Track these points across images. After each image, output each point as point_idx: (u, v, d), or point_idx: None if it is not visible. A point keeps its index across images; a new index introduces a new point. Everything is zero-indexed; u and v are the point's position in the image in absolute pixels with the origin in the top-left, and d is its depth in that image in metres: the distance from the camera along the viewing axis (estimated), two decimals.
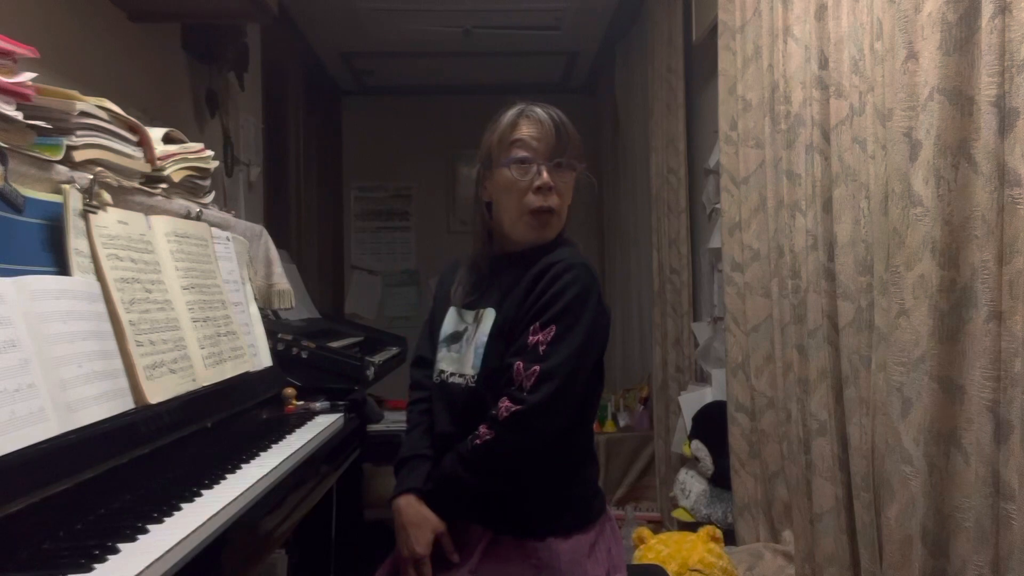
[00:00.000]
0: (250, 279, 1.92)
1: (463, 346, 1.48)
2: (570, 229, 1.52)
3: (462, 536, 1.43)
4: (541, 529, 1.40)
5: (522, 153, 1.43)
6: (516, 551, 1.39)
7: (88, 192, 1.27)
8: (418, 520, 1.41)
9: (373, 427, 2.54)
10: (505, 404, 1.35)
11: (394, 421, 2.75)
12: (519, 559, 1.38)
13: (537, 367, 1.35)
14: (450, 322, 1.53)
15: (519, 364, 1.36)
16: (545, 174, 1.42)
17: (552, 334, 1.36)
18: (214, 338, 1.54)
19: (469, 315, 1.50)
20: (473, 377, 1.44)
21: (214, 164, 1.84)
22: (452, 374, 1.48)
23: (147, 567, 0.88)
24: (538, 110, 1.46)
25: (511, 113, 1.47)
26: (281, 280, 2.14)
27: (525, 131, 1.44)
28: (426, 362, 1.59)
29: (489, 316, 1.45)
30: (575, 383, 1.38)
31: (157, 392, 1.27)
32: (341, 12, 4.18)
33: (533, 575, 1.37)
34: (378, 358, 2.68)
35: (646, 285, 4.02)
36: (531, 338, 1.37)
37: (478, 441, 1.37)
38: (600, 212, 5.39)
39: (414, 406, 1.59)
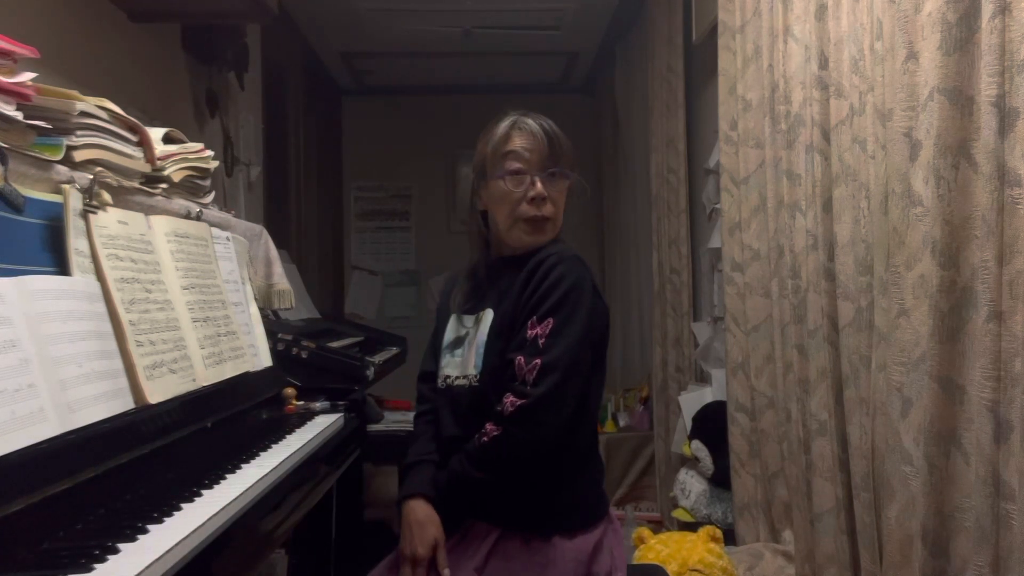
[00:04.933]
0: (250, 279, 1.92)
1: (465, 349, 1.50)
2: (569, 228, 1.55)
3: (468, 534, 1.43)
4: (547, 528, 1.41)
5: (516, 165, 1.46)
6: (522, 549, 1.40)
7: (88, 192, 1.27)
8: (423, 520, 1.42)
9: (373, 427, 2.54)
10: (510, 399, 1.37)
11: (394, 421, 2.76)
12: (525, 557, 1.39)
13: (538, 360, 1.36)
14: (451, 329, 1.56)
15: (520, 359, 1.38)
16: (539, 185, 1.45)
17: (550, 326, 1.38)
18: (214, 338, 1.54)
19: (469, 320, 1.53)
20: (476, 376, 1.46)
21: (214, 164, 1.84)
22: (456, 377, 1.50)
23: (147, 567, 0.88)
24: (530, 121, 1.48)
25: (504, 125, 1.49)
26: (281, 280, 2.14)
27: (518, 142, 1.47)
28: (430, 376, 1.61)
29: (488, 317, 1.48)
30: (577, 372, 1.40)
31: (157, 392, 1.27)
32: (341, 12, 4.18)
33: (538, 573, 1.38)
34: (378, 358, 2.68)
35: (646, 285, 4.02)
36: (530, 332, 1.39)
37: (486, 439, 1.38)
38: (600, 212, 5.38)
39: (419, 418, 1.62)
